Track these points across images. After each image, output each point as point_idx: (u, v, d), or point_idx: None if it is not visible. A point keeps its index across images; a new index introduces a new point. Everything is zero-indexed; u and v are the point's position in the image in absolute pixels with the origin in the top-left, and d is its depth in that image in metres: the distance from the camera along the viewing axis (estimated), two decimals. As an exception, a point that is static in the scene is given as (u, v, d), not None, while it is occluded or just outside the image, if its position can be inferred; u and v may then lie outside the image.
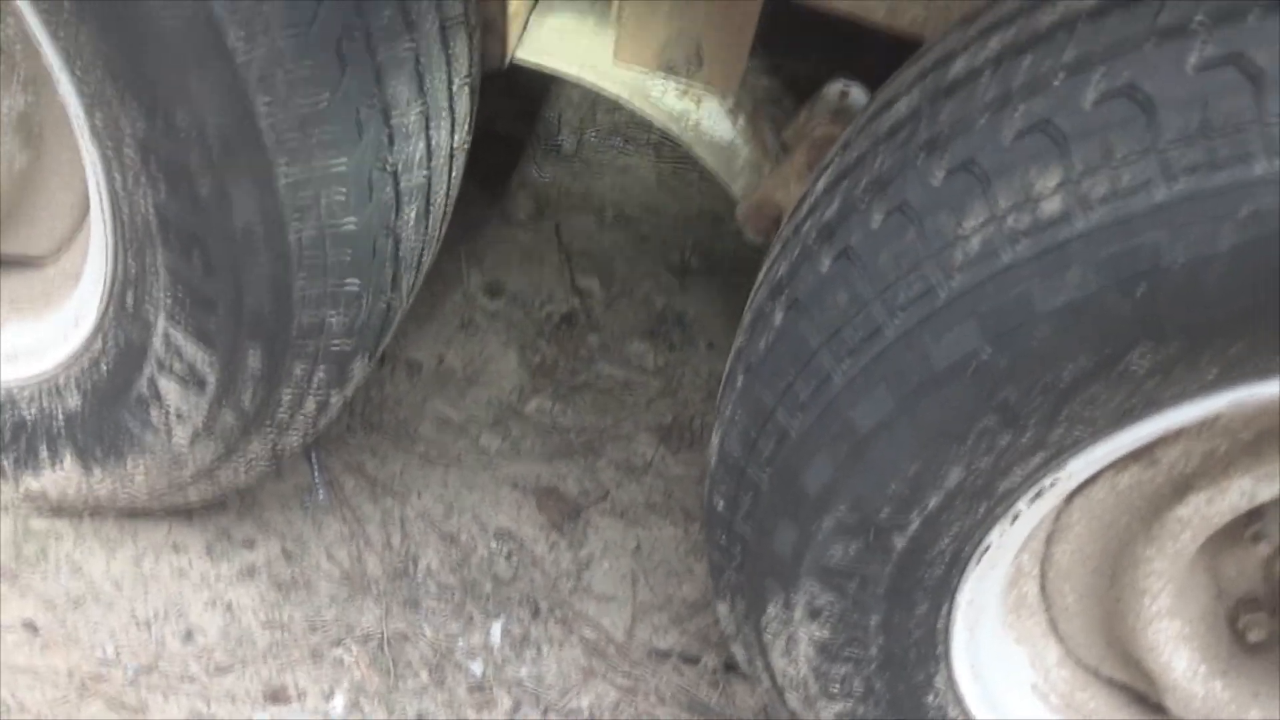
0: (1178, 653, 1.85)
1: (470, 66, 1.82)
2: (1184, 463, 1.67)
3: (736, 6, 1.98)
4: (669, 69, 2.06)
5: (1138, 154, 1.28)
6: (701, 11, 2.00)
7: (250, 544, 2.31)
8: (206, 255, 1.66)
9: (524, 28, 2.13)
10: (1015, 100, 1.38)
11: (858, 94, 2.12)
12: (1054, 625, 1.95)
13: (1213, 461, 1.65)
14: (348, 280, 1.70)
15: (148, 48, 1.48)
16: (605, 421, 2.61)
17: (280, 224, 1.60)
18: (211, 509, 2.28)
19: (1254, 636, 1.85)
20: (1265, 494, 1.63)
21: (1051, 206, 1.33)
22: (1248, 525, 1.77)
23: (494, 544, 2.38)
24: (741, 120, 2.14)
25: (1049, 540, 1.84)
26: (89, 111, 1.61)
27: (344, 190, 1.60)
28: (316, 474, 2.37)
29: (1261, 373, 1.39)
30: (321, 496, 2.36)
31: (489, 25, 2.09)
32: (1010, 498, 1.58)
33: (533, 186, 2.96)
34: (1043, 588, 1.91)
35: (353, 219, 1.64)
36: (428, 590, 2.29)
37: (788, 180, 2.09)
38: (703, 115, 2.15)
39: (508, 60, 2.14)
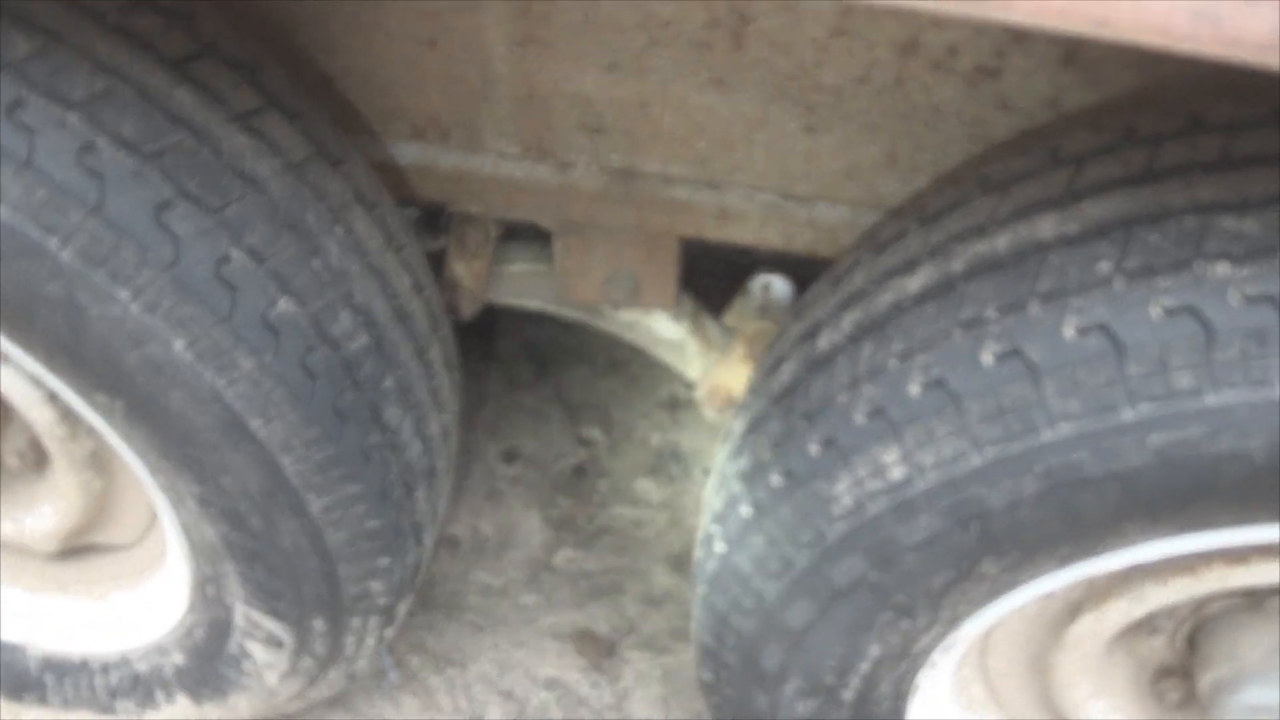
0: (1112, 721, 2.23)
1: (445, 358, 2.21)
2: (1072, 593, 2.01)
3: (659, 246, 2.36)
4: (612, 302, 2.45)
5: (953, 433, 1.67)
6: (630, 253, 2.38)
7: (343, 729, 2.73)
8: (267, 564, 2.07)
9: (486, 279, 2.52)
10: (861, 384, 1.77)
11: (779, 286, 2.50)
12: (1006, 711, 2.33)
13: (1095, 591, 1.98)
14: (379, 559, 2.10)
15: (189, 438, 1.88)
16: (624, 560, 2.99)
17: (319, 536, 2.01)
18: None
19: (1173, 699, 2.19)
20: (1139, 611, 1.97)
21: (896, 473, 1.72)
22: (1144, 623, 2.08)
23: (544, 693, 2.76)
24: (685, 321, 2.52)
25: (983, 654, 2.21)
26: (151, 474, 2.02)
27: (364, 503, 2.00)
28: (386, 659, 2.79)
29: (1094, 556, 1.75)
30: (394, 677, 2.77)
31: (456, 285, 2.49)
32: (924, 655, 1.95)
33: (531, 347, 3.36)
34: (988, 686, 2.26)
35: (375, 520, 2.04)
36: (495, 744, 2.71)
37: (732, 368, 2.47)
38: (652, 322, 2.53)
39: (478, 308, 2.54)
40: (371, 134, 2.27)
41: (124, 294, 1.75)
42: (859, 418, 1.74)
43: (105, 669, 2.52)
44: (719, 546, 1.98)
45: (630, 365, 3.33)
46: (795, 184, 2.16)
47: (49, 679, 2.58)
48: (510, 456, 3.19)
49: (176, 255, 1.76)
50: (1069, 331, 1.58)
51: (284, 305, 1.85)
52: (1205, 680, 2.05)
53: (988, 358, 1.64)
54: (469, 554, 3.01)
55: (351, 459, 1.96)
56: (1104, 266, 1.59)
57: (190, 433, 1.88)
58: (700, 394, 2.53)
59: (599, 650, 2.85)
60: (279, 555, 2.05)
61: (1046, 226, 1.68)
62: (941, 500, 1.70)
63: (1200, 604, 2.07)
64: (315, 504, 1.97)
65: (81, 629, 2.54)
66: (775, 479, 1.85)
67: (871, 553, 1.79)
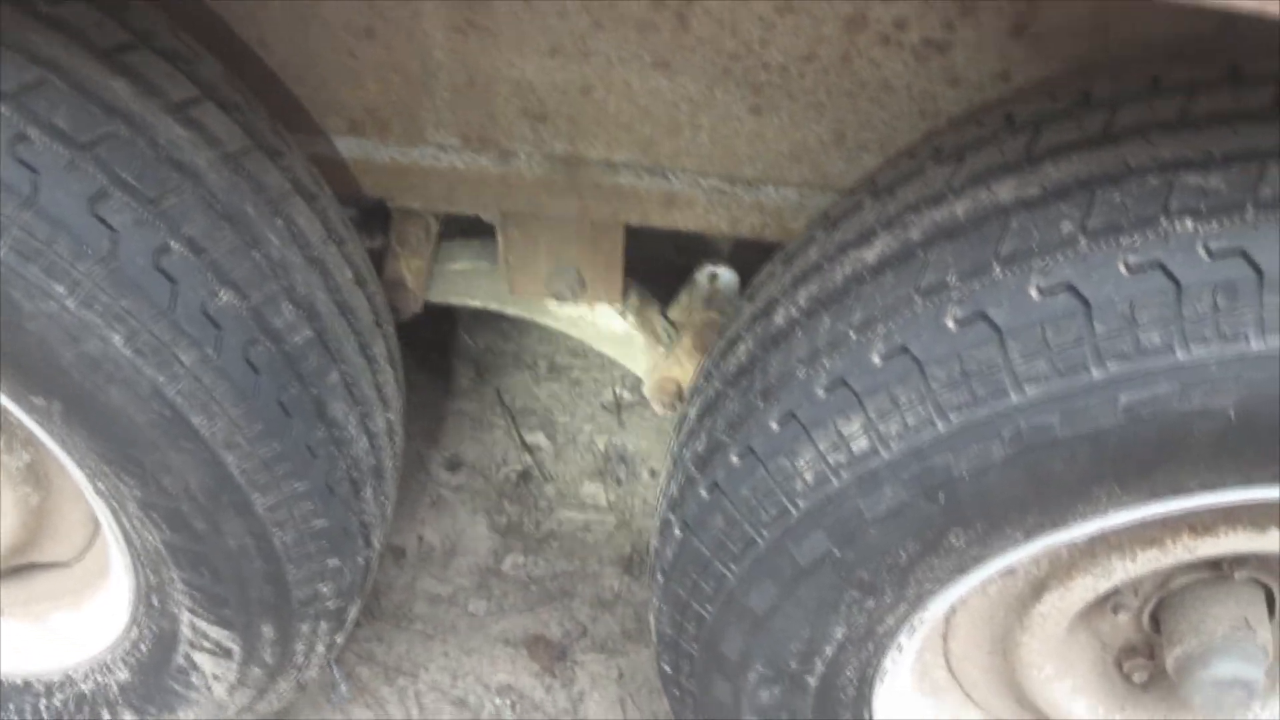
0: (1075, 703, 2.17)
1: (389, 353, 2.16)
2: (1037, 570, 1.98)
3: (603, 236, 2.33)
4: (557, 296, 2.41)
5: (916, 400, 1.65)
6: (574, 245, 2.36)
7: (293, 745, 2.67)
8: (212, 568, 2.01)
9: (427, 278, 2.48)
10: (820, 357, 1.74)
11: (725, 276, 2.47)
12: (969, 696, 2.27)
13: (1059, 566, 1.96)
14: (328, 560, 2.05)
15: (130, 439, 1.83)
16: (573, 564, 2.95)
17: (266, 537, 1.96)
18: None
19: (1138, 678, 2.16)
20: (1104, 586, 1.95)
21: (860, 445, 1.70)
22: (1107, 600, 2.06)
23: (498, 699, 2.73)
24: (630, 315, 2.49)
25: (944, 638, 2.18)
26: (91, 480, 1.96)
27: (310, 501, 1.96)
28: (336, 671, 2.73)
29: (1062, 526, 1.73)
30: (344, 689, 2.72)
31: (398, 284, 2.44)
32: (890, 636, 1.93)
33: (469, 354, 3.31)
34: (950, 671, 2.24)
35: (323, 519, 1.99)
36: (451, 753, 2.66)
37: (680, 360, 2.44)
38: (597, 317, 2.50)
39: (420, 307, 2.50)
40: (311, 129, 2.22)
41: (60, 289, 1.70)
42: (819, 390, 1.71)
43: (49, 690, 2.45)
44: (677, 532, 1.95)
45: (572, 369, 3.30)
46: (741, 167, 2.14)
47: (-10, 705, 2.50)
48: (453, 465, 3.14)
49: (113, 248, 1.71)
50: (1033, 292, 1.56)
51: (225, 297, 1.81)
52: (1172, 656, 2.02)
53: (950, 322, 1.61)
54: (415, 563, 2.96)
55: (297, 455, 1.92)
56: (1067, 226, 1.58)
57: (131, 432, 1.82)
58: (648, 388, 2.50)
59: (551, 654, 2.81)
60: (224, 559, 1.99)
61: (1006, 191, 1.66)
62: (906, 470, 1.67)
63: (1164, 579, 2.05)
64: (260, 503, 1.92)
65: (22, 650, 2.46)
66: (734, 459, 1.82)
67: (835, 528, 1.75)
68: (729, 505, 1.84)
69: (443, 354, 3.33)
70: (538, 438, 3.18)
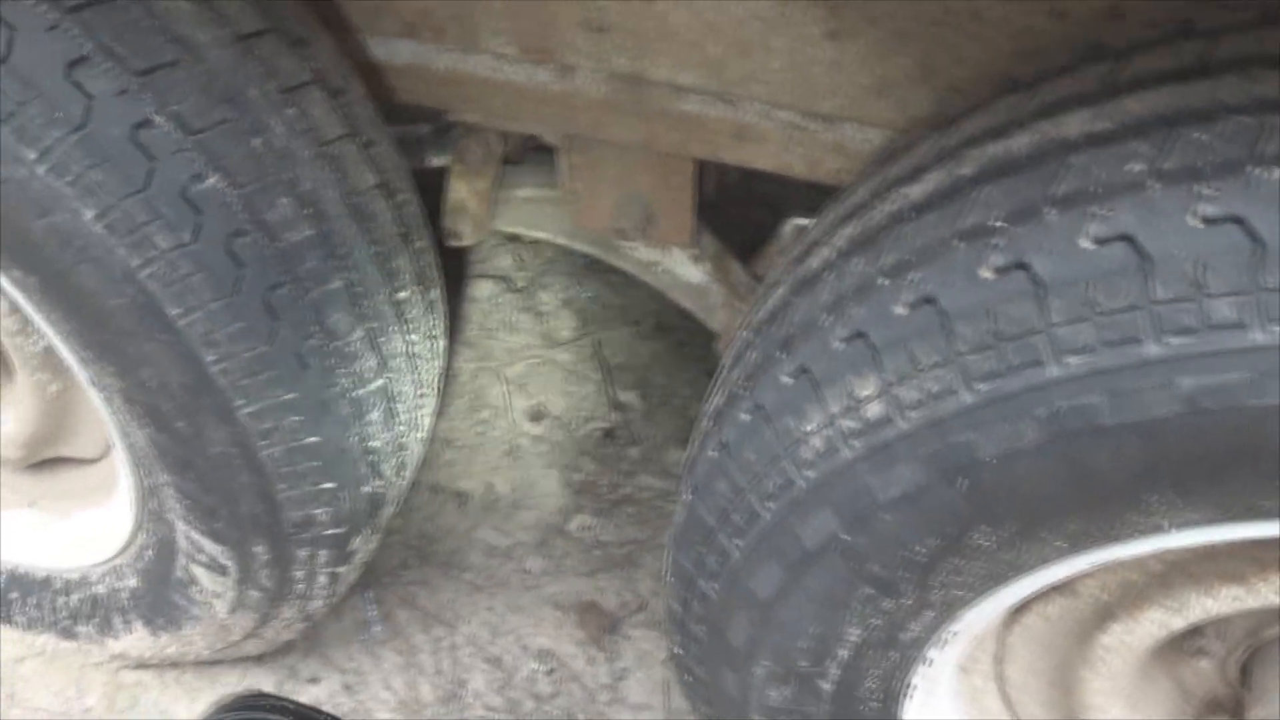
0: (1146, 758, 1.90)
1: (419, 272, 2.00)
2: (1103, 593, 1.72)
3: (672, 170, 2.13)
4: (622, 232, 2.21)
5: (940, 362, 1.40)
6: (641, 176, 2.16)
7: (315, 680, 2.53)
8: (199, 475, 1.90)
9: (491, 202, 2.31)
10: (845, 304, 1.50)
11: (812, 229, 2.24)
12: (1027, 730, 2.03)
13: (1129, 592, 1.69)
14: (323, 483, 1.91)
15: (104, 323, 1.71)
16: (645, 533, 2.77)
17: (251, 447, 1.83)
18: (280, 649, 2.50)
19: (1223, 737, 1.90)
20: (1178, 624, 1.67)
21: (873, 410, 1.45)
22: (1189, 640, 1.80)
23: (535, 664, 2.55)
24: (707, 264, 2.28)
25: (999, 660, 1.92)
26: (81, 368, 1.86)
27: (299, 414, 1.81)
28: (372, 610, 2.59)
29: (1113, 540, 1.46)
30: (378, 630, 2.58)
31: (460, 208, 2.28)
32: (917, 646, 1.68)
33: (575, 304, 3.14)
34: (1006, 701, 1.97)
35: (314, 435, 1.84)
36: (475, 712, 2.48)
37: (755, 317, 2.23)
38: (672, 262, 2.30)
39: (485, 233, 2.33)
40: (362, 32, 2.07)
41: (30, 155, 1.59)
42: (836, 342, 1.47)
43: (67, 589, 2.38)
44: (686, 496, 1.74)
45: (677, 329, 3.10)
46: (819, 100, 1.90)
47: (14, 595, 2.43)
48: (537, 415, 2.97)
49: (86, 115, 1.60)
50: (1085, 242, 1.29)
51: (212, 182, 1.67)
52: (1252, 717, 1.74)
53: (987, 272, 1.36)
54: (478, 511, 2.80)
55: (284, 361, 1.78)
56: (1136, 168, 1.30)
57: (104, 315, 1.71)
58: (720, 345, 2.29)
59: (602, 624, 2.61)
60: (209, 466, 1.88)
61: (1074, 124, 1.39)
62: (924, 446, 1.42)
63: (1256, 625, 1.76)
64: (244, 409, 1.79)
65: (48, 544, 2.39)
66: (744, 415, 1.60)
67: (844, 508, 1.52)
68: (734, 470, 1.62)
69: (548, 300, 3.16)
70: (630, 396, 2.99)
